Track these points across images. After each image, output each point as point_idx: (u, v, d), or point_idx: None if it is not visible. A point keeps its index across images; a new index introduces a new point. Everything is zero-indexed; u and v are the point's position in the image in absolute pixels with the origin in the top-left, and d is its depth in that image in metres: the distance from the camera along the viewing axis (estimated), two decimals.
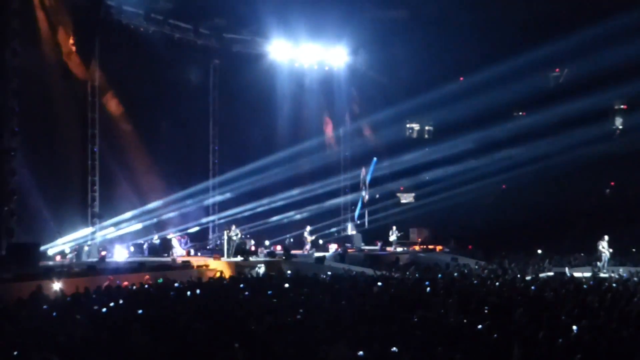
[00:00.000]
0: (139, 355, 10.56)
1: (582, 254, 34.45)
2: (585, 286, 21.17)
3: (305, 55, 38.64)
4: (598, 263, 30.32)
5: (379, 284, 21.61)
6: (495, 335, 11.76)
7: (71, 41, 29.18)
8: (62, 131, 30.47)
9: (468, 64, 43.66)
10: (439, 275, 25.29)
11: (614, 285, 21.37)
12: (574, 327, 12.55)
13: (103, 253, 29.52)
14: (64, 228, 29.34)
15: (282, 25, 35.90)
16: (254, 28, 36.53)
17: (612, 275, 26.27)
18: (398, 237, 38.04)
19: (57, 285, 20.09)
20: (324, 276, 24.93)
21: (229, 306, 15.56)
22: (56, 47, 29.22)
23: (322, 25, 36.27)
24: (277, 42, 37.25)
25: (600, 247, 30.48)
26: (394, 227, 38.15)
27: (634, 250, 35.46)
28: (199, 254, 32.65)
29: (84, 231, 30.70)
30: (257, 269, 27.51)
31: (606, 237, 30.57)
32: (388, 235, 37.79)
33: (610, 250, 30.42)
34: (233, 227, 32.20)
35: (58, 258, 28.58)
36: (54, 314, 14.72)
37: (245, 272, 26.50)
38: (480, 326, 13.12)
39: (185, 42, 34.83)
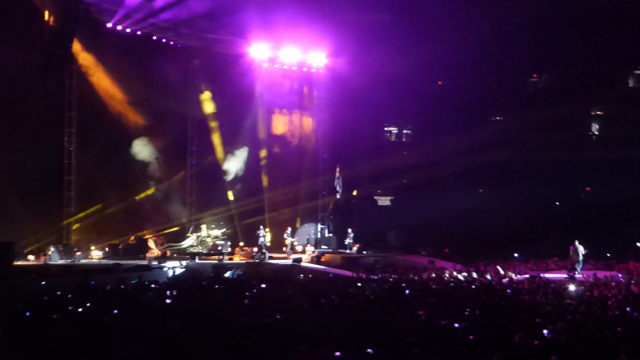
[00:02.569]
0: (115, 356, 10.48)
1: (558, 258, 34.69)
2: (560, 289, 21.37)
3: (285, 56, 38.59)
4: (577, 266, 30.40)
5: (359, 284, 21.67)
6: (472, 337, 11.80)
7: (49, 39, 28.93)
8: (38, 130, 30.24)
9: (447, 68, 43.90)
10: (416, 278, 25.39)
11: (589, 288, 21.60)
12: (545, 331, 12.64)
13: (78, 253, 29.30)
14: (40, 227, 29.13)
15: (262, 26, 35.82)
16: (234, 28, 36.40)
17: (588, 278, 26.44)
18: (354, 241, 37.37)
19: (33, 285, 19.88)
20: (302, 277, 24.95)
21: (207, 307, 15.49)
22: (33, 45, 28.94)
23: (302, 27, 36.23)
24: (256, 42, 37.17)
25: (573, 252, 30.56)
26: (350, 230, 37.71)
27: (608, 255, 35.75)
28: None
29: (60, 231, 30.56)
30: (235, 270, 27.47)
31: (577, 242, 30.62)
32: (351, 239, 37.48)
33: (584, 252, 30.57)
34: (261, 227, 32.56)
35: (32, 258, 28.38)
36: (27, 313, 14.55)
37: (222, 273, 26.44)
38: (457, 325, 13.19)
39: (165, 42, 34.68)
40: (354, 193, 41.88)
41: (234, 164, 37.52)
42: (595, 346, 11.37)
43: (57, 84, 30.81)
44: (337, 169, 39.30)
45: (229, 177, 37.46)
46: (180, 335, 11.72)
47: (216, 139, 37.02)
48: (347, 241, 37.17)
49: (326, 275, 26.92)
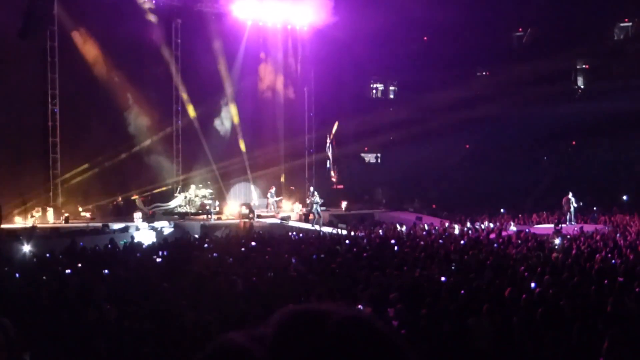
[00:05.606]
0: (105, 317, 10.50)
1: (544, 212, 35.00)
2: (546, 243, 21.59)
3: (268, 14, 38.15)
4: (568, 217, 31.08)
5: (347, 241, 21.79)
6: (462, 292, 11.91)
7: (29, 1, 28.51)
8: (21, 92, 29.90)
9: (432, 24, 43.64)
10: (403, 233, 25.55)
11: (575, 241, 21.79)
12: (533, 284, 12.78)
13: (66, 215, 29.22)
14: (26, 190, 29.02)
15: None
16: None
17: (575, 231, 26.63)
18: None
19: (25, 248, 19.80)
20: (292, 235, 25.07)
21: (196, 266, 15.54)
22: (13, 7, 28.47)
23: None
24: (240, 0, 36.66)
25: (565, 203, 31.35)
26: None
27: (594, 208, 36.07)
28: None
29: (46, 193, 30.48)
30: (223, 229, 27.52)
31: (570, 193, 31.41)
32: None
33: (575, 205, 31.33)
34: (315, 193, 32.25)
35: (20, 220, 28.32)
36: (17, 275, 14.58)
37: (210, 233, 26.50)
38: (443, 279, 13.32)
39: (146, 1, 34.14)
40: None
41: (224, 122, 37.35)
42: (582, 299, 11.50)
43: (38, 45, 30.38)
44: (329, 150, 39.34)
45: (224, 130, 37.20)
46: (170, 295, 11.77)
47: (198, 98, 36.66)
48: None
49: (315, 232, 27.04)
